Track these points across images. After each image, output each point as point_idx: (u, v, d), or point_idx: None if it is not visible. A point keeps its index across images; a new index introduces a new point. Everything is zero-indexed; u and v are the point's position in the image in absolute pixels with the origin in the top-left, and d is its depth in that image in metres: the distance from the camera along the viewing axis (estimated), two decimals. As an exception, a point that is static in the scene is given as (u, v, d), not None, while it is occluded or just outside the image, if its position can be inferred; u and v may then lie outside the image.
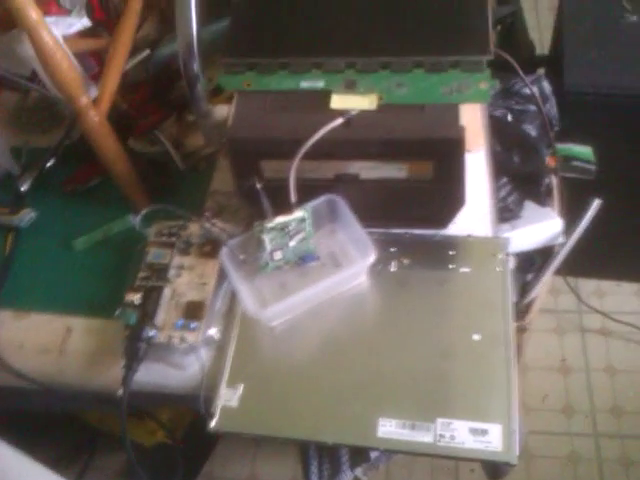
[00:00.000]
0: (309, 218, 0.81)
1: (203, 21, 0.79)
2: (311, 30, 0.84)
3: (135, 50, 0.97)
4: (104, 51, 0.93)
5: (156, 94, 1.04)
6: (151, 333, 0.78)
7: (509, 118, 1.14)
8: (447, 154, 0.76)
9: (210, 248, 0.85)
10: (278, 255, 0.82)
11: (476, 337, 0.78)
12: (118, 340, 0.80)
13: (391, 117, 0.76)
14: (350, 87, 0.78)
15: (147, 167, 0.97)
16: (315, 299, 0.82)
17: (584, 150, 1.21)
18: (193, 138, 1.04)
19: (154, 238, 0.87)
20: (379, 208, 0.87)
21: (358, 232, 0.82)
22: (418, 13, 0.83)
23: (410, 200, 0.85)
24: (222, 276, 0.84)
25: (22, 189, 1.01)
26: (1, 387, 0.87)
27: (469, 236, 0.87)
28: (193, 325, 0.79)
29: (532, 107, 1.16)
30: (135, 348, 0.78)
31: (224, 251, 0.83)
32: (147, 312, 0.80)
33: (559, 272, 1.14)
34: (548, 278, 1.11)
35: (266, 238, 0.80)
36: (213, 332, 0.82)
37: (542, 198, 1.09)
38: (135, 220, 0.87)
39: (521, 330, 1.15)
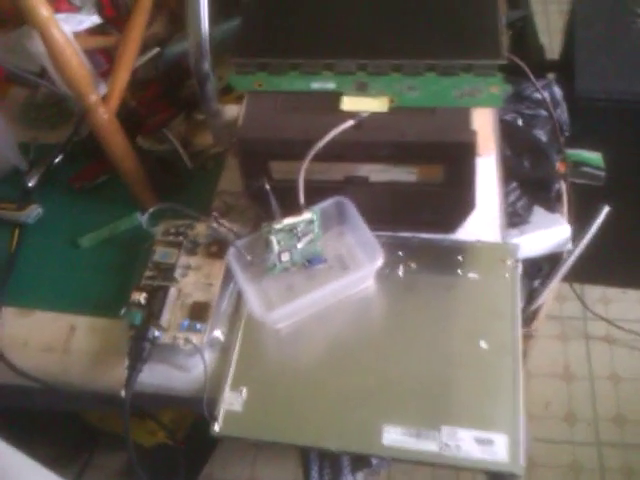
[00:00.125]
0: (317, 220, 0.81)
1: (213, 20, 0.79)
2: (322, 31, 0.83)
3: (144, 48, 0.96)
4: (113, 48, 0.93)
5: (165, 92, 1.04)
6: (156, 333, 0.78)
7: (519, 122, 1.13)
8: (458, 158, 0.76)
9: (217, 248, 0.85)
10: (285, 257, 0.81)
11: (483, 344, 0.77)
12: (122, 340, 0.80)
13: (402, 120, 0.75)
14: (361, 89, 0.77)
15: (155, 165, 0.97)
16: (322, 302, 0.81)
17: (594, 156, 1.20)
18: (201, 137, 1.03)
19: (161, 237, 0.86)
20: (388, 211, 0.87)
21: (366, 235, 0.82)
22: (430, 16, 0.82)
23: (419, 204, 0.85)
24: (228, 277, 0.83)
25: (29, 185, 1.00)
26: (4, 385, 0.86)
27: (478, 241, 0.87)
28: (198, 326, 0.79)
29: (543, 112, 1.15)
30: (140, 348, 0.77)
31: (231, 252, 0.82)
32: (152, 312, 0.80)
33: (565, 278, 1.14)
34: (555, 285, 1.10)
35: (274, 239, 0.79)
36: (218, 334, 0.82)
37: (551, 204, 1.08)
38: (142, 218, 0.86)
39: (527, 337, 1.15)
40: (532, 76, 0.99)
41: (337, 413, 0.75)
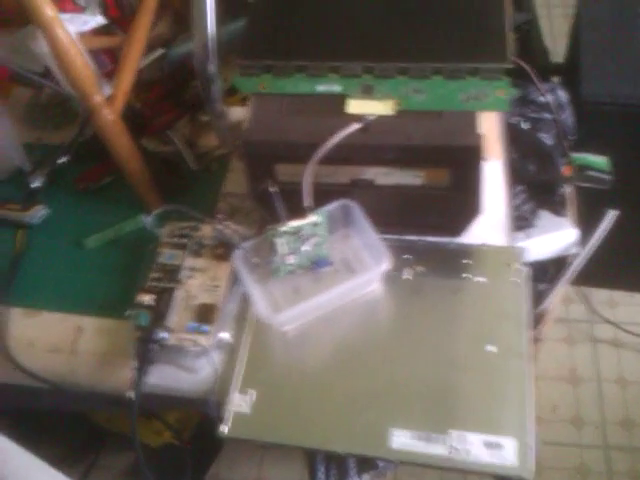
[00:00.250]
0: (323, 223, 0.80)
1: (220, 20, 0.78)
2: (328, 32, 0.83)
3: (149, 49, 0.96)
4: (118, 49, 0.93)
5: (170, 93, 1.04)
6: (163, 335, 0.78)
7: (525, 126, 1.13)
8: (465, 162, 0.75)
9: (222, 250, 0.84)
10: (291, 259, 0.81)
11: (490, 348, 0.77)
12: (129, 341, 0.80)
13: (408, 123, 0.75)
14: (367, 92, 0.77)
15: (160, 167, 0.97)
16: (328, 305, 0.81)
17: (599, 160, 1.19)
18: (206, 138, 1.03)
19: (166, 239, 0.86)
20: (394, 214, 0.86)
21: (372, 238, 0.82)
22: (437, 18, 0.82)
23: (425, 207, 0.84)
24: (234, 279, 0.83)
25: (33, 185, 1.00)
26: (11, 385, 0.86)
27: (484, 245, 0.86)
28: (205, 328, 0.78)
29: (548, 115, 1.14)
30: (146, 350, 0.77)
31: (237, 254, 0.82)
32: (159, 313, 0.79)
33: (572, 281, 1.13)
34: (561, 288, 1.10)
35: (279, 242, 0.79)
36: (225, 336, 0.81)
37: (557, 207, 1.08)
38: (147, 220, 0.86)
39: (534, 340, 1.14)
40: (537, 81, 0.98)
41: (344, 416, 0.75)
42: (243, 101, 0.94)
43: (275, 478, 1.64)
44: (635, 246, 1.46)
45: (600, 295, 1.80)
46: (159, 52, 0.98)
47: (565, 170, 1.11)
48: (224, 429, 0.74)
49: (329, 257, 0.83)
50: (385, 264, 0.79)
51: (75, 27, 0.83)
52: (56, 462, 0.67)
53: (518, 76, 0.89)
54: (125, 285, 0.88)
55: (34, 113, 1.14)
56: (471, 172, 0.77)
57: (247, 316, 0.83)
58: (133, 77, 0.89)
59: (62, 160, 0.96)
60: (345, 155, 0.76)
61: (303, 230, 0.80)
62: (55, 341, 0.87)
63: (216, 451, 1.60)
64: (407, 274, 0.84)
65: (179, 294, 0.82)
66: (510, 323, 0.79)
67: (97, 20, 0.87)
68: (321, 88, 0.78)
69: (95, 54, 0.88)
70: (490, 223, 0.88)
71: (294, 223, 0.79)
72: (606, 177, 1.18)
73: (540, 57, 1.45)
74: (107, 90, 0.86)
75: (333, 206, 0.82)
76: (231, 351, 0.81)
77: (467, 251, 0.86)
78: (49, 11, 0.75)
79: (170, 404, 0.88)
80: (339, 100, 0.77)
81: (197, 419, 1.34)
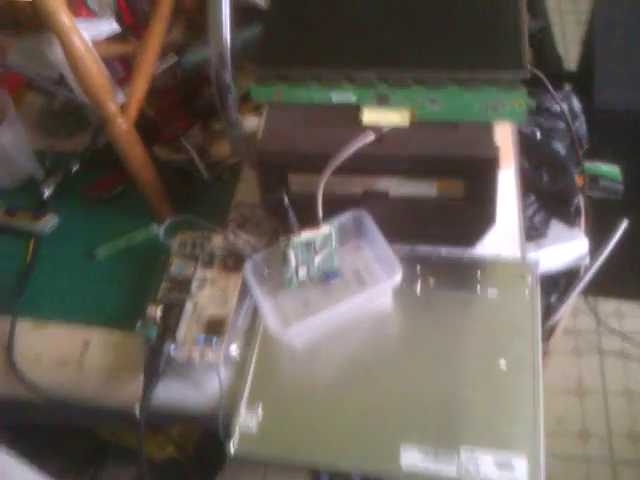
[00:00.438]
0: (335, 234, 0.80)
1: (235, 26, 0.78)
2: (342, 40, 0.82)
3: (162, 55, 0.95)
4: (131, 56, 0.92)
5: (183, 101, 1.03)
6: (171, 349, 0.77)
7: (538, 135, 1.12)
8: (481, 174, 0.75)
9: (233, 261, 0.83)
10: (303, 271, 0.80)
11: (502, 362, 0.76)
12: (137, 354, 0.79)
13: (424, 134, 0.75)
14: (382, 102, 0.76)
15: (172, 176, 0.96)
16: (339, 318, 0.80)
17: (611, 169, 1.19)
18: (218, 147, 1.03)
19: (178, 249, 0.85)
20: (406, 225, 0.86)
21: (384, 249, 0.81)
22: (454, 27, 0.81)
23: (438, 218, 0.84)
24: (244, 291, 0.82)
25: (45, 194, 1.00)
26: (16, 399, 0.84)
27: (497, 257, 0.85)
28: (214, 341, 0.77)
29: (561, 124, 1.14)
30: (155, 364, 0.76)
31: (248, 265, 0.81)
32: (168, 326, 0.78)
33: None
34: (572, 300, 1.09)
35: (292, 253, 0.78)
36: (233, 349, 0.80)
37: (569, 218, 1.07)
38: (158, 230, 0.86)
39: (543, 354, 1.13)
40: (552, 89, 0.98)
41: (353, 432, 0.74)
42: (256, 109, 0.93)
43: (279, 491, 1.63)
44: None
45: (608, 306, 1.79)
46: (172, 59, 0.98)
47: (577, 180, 1.10)
48: (231, 449, 0.73)
49: (339, 269, 0.82)
50: (397, 277, 0.78)
51: (90, 34, 0.82)
52: (59, 475, 0.67)
53: (532, 84, 0.89)
54: (135, 296, 0.88)
55: (47, 120, 1.13)
56: (487, 184, 0.76)
57: (256, 328, 0.82)
58: (147, 85, 0.88)
59: (74, 168, 0.96)
60: (359, 165, 0.75)
61: (315, 241, 0.79)
62: (62, 355, 0.86)
63: (220, 464, 1.59)
64: (419, 287, 0.83)
65: (189, 306, 0.81)
66: (522, 338, 0.78)
67: (112, 28, 0.87)
68: (336, 98, 0.77)
69: (108, 61, 0.88)
70: (503, 234, 0.87)
71: (307, 234, 0.78)
72: (618, 187, 1.17)
73: (553, 64, 1.45)
74: (120, 97, 0.86)
75: (345, 217, 0.81)
76: (239, 365, 0.80)
77: (479, 264, 0.85)
78: (66, 19, 0.74)
79: (176, 419, 0.86)
80: (353, 110, 0.76)
81: (199, 432, 1.33)
